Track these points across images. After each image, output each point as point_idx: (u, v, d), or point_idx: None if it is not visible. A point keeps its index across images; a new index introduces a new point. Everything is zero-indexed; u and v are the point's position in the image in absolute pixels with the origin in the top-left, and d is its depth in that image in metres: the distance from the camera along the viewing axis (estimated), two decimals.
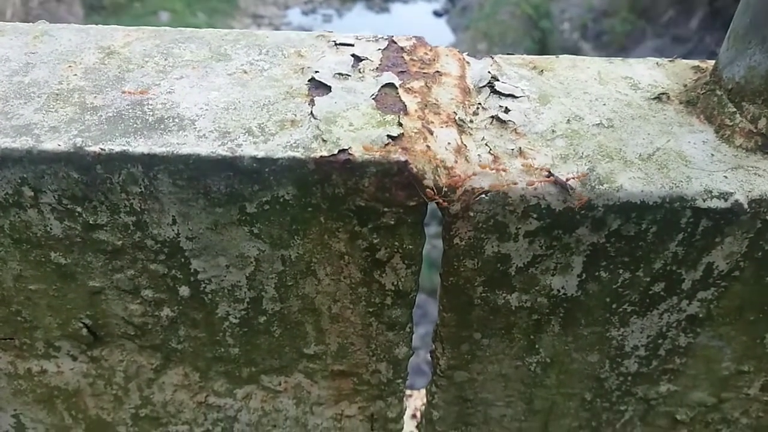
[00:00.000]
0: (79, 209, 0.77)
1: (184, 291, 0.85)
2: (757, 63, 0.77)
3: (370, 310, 0.88)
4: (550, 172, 0.75)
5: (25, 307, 0.88)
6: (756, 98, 0.78)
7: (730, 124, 0.80)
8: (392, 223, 0.77)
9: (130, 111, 0.77)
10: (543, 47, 13.98)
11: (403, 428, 1.09)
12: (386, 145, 0.73)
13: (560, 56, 0.95)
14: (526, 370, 0.95)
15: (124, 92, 0.78)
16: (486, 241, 0.78)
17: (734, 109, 0.80)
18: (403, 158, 0.72)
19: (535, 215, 0.76)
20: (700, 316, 0.87)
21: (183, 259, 0.82)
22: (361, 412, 1.04)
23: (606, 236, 0.78)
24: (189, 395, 1.01)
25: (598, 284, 0.83)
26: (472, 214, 0.76)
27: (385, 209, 0.76)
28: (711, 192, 0.74)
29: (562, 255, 0.80)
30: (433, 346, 0.95)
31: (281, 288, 0.85)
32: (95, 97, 0.79)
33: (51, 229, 0.79)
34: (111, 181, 0.74)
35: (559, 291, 0.84)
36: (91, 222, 0.78)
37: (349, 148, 0.73)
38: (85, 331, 0.90)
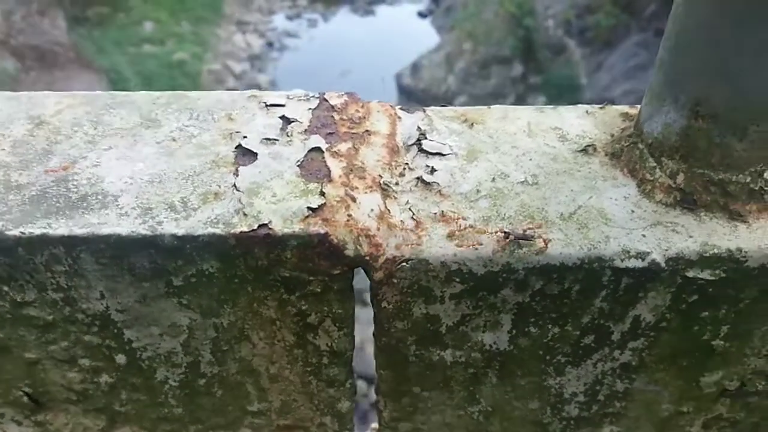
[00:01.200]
0: (5, 288, 0.77)
1: (121, 359, 0.86)
2: (672, 120, 0.78)
3: (308, 369, 0.88)
4: (506, 232, 0.76)
5: None
6: (674, 154, 0.79)
7: (651, 179, 0.81)
8: (319, 290, 0.78)
9: (54, 188, 0.78)
10: (528, 45, 14.01)
11: None
12: (306, 217, 0.74)
13: (492, 107, 0.96)
14: (469, 418, 0.96)
15: (47, 171, 0.79)
16: (413, 304, 0.79)
17: (654, 164, 0.81)
18: (322, 231, 0.73)
19: (458, 279, 0.77)
20: (634, 363, 0.88)
21: (116, 330, 0.82)
22: None
23: (530, 295, 0.79)
24: None
25: (528, 339, 0.84)
26: (395, 280, 0.76)
27: (311, 278, 0.77)
28: (629, 252, 0.76)
29: (490, 314, 0.81)
30: (376, 398, 0.96)
31: (217, 353, 0.86)
32: (20, 174, 0.80)
33: None
34: (34, 261, 0.74)
35: (491, 346, 0.85)
36: (18, 300, 0.78)
37: (270, 222, 0.73)
38: (26, 398, 0.91)
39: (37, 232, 0.72)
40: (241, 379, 0.90)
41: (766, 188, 0.79)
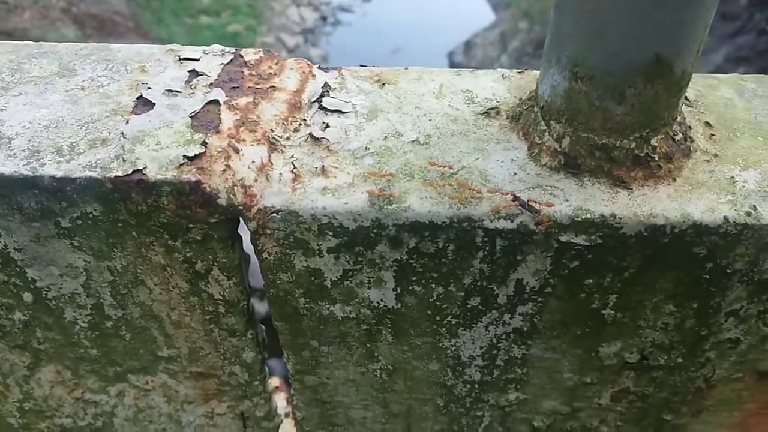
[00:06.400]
0: None
1: (28, 297, 0.90)
2: (557, 83, 0.76)
3: (207, 317, 0.91)
4: (515, 196, 0.76)
5: None
6: (560, 117, 0.78)
7: (539, 142, 0.80)
8: (199, 238, 0.80)
9: None
10: None
11: (279, 425, 1.13)
12: (181, 165, 0.76)
13: (410, 68, 0.96)
14: (371, 376, 0.97)
15: None
16: (293, 256, 0.81)
17: (545, 127, 0.80)
18: (194, 178, 0.75)
19: (330, 233, 0.78)
20: (526, 329, 0.88)
21: (18, 269, 0.87)
22: (231, 410, 1.08)
23: (407, 253, 0.79)
24: (66, 391, 1.07)
25: (414, 297, 0.85)
26: (269, 231, 0.78)
27: (191, 225, 0.79)
28: (498, 213, 0.75)
29: (371, 270, 0.82)
30: (282, 351, 0.98)
31: (117, 296, 0.89)
32: None
33: None
34: None
35: (379, 303, 0.86)
36: None
37: (145, 168, 0.76)
38: None
39: None
40: (145, 324, 0.93)
41: (652, 155, 0.77)
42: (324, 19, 15.81)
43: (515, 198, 0.76)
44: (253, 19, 14.89)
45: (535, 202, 0.75)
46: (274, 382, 1.50)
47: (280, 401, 1.24)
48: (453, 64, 13.88)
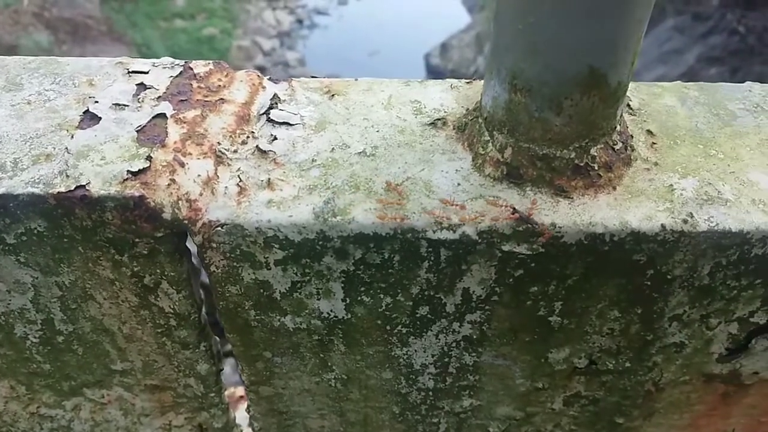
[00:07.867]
0: None
1: None
2: (497, 94, 0.78)
3: (159, 331, 0.91)
4: (514, 209, 0.77)
5: None
6: (502, 128, 0.79)
7: (483, 152, 0.81)
8: (146, 252, 0.80)
9: None
10: None
11: None
12: (125, 180, 0.76)
13: (360, 79, 0.96)
14: (326, 385, 0.98)
15: None
16: (241, 269, 0.81)
17: (488, 138, 0.81)
18: (138, 193, 0.75)
19: (276, 245, 0.78)
20: (475, 337, 0.89)
21: None
22: (189, 422, 1.08)
23: (354, 264, 0.80)
24: (21, 406, 1.06)
25: (363, 308, 0.85)
26: (215, 245, 0.78)
27: (137, 239, 0.79)
28: (441, 224, 0.76)
29: (319, 281, 0.82)
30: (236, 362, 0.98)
31: (67, 311, 0.89)
32: None
33: None
34: None
35: (329, 314, 0.86)
36: None
37: (88, 183, 0.76)
38: None
39: None
40: (97, 338, 0.93)
41: (592, 165, 0.78)
42: (300, 22, 15.80)
43: (515, 211, 0.76)
44: (229, 22, 14.82)
45: (529, 214, 0.76)
46: (239, 391, 1.50)
47: (243, 411, 1.24)
48: (430, 66, 13.94)
